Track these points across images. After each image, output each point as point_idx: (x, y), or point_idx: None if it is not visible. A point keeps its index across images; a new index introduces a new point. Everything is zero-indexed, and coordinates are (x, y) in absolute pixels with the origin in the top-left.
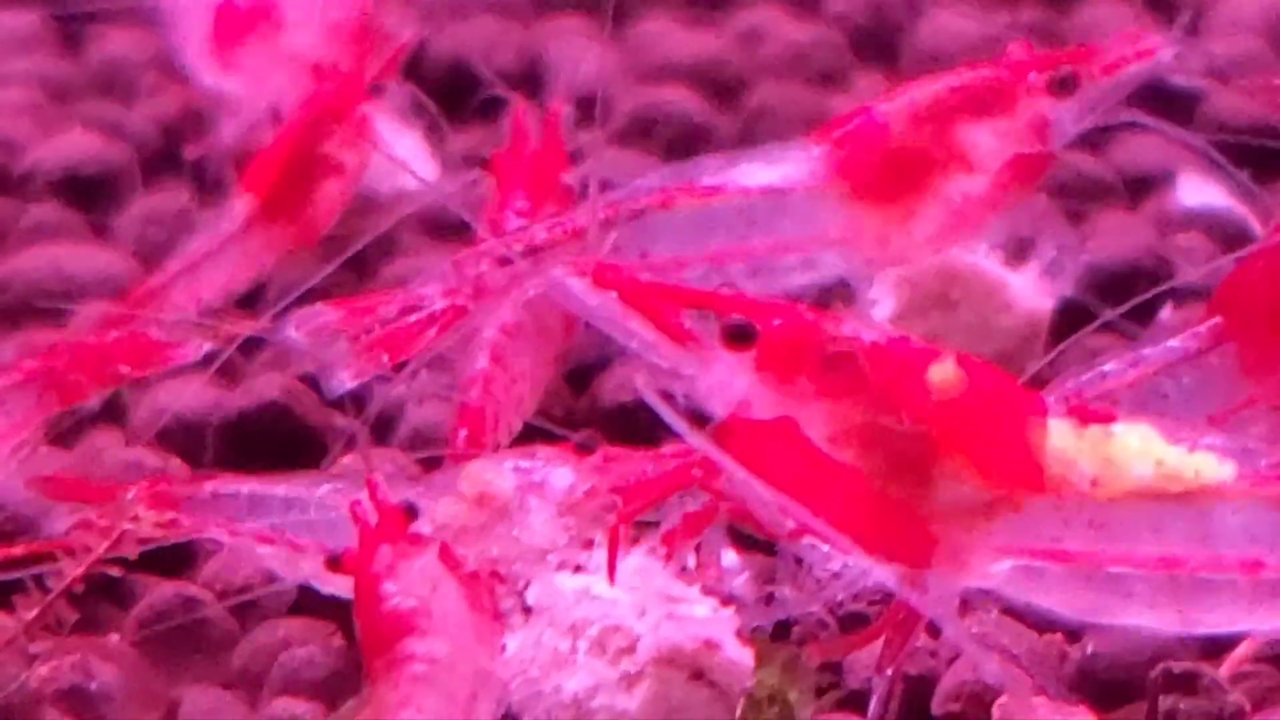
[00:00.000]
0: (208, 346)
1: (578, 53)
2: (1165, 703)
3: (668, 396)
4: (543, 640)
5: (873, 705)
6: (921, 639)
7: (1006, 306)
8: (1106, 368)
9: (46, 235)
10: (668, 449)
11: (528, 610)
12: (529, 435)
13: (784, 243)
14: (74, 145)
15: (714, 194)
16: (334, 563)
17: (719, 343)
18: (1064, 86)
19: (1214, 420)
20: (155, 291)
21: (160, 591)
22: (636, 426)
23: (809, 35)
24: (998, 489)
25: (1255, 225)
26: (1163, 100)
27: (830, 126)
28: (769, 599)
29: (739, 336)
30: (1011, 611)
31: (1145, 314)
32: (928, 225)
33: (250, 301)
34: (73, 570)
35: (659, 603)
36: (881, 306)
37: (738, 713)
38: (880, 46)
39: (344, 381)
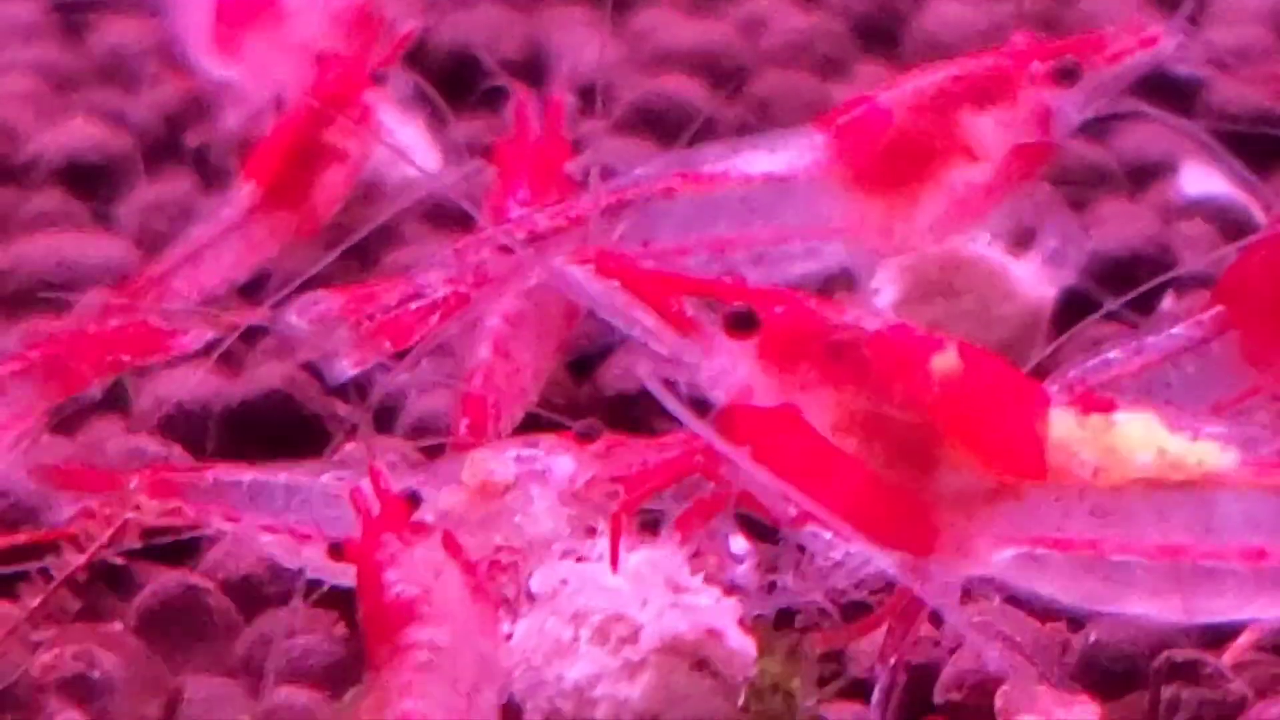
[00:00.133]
0: (210, 335)
1: (580, 41)
2: (1167, 691)
3: (670, 385)
4: (545, 628)
5: (875, 694)
6: (924, 628)
7: (1009, 295)
8: (1109, 356)
9: (49, 224)
10: (670, 437)
11: (530, 598)
12: (531, 424)
13: (786, 231)
14: (76, 134)
15: (716, 182)
16: (336, 551)
17: (721, 330)
18: (1067, 76)
19: (1217, 409)
20: (157, 280)
21: (163, 580)
22: (639, 415)
23: (811, 24)
24: (1000, 477)
25: (1258, 214)
26: (1165, 89)
27: (833, 115)
28: (771, 587)
29: (741, 324)
30: (1014, 600)
31: (1148, 303)
32: (930, 214)
33: (252, 290)
34: (75, 559)
35: (661, 591)
36: (883, 295)
37: (740, 701)
38: (883, 35)
39: (346, 370)
